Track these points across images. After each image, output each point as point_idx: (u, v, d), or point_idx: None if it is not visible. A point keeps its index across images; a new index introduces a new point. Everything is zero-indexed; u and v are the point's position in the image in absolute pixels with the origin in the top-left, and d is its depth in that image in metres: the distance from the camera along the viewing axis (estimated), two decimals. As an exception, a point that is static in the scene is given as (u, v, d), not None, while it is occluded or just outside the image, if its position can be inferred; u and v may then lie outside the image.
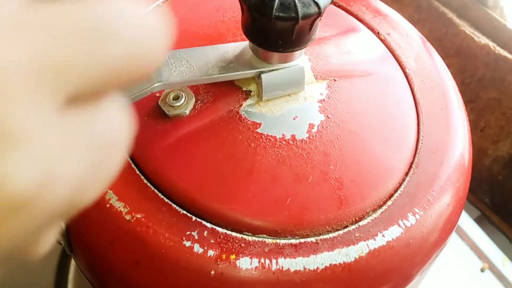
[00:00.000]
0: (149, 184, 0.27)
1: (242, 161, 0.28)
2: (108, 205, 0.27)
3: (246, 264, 0.25)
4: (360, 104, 0.32)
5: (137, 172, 0.28)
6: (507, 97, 0.59)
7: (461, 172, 0.31)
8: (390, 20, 0.38)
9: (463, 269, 0.55)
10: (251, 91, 0.30)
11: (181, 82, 0.27)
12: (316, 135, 0.30)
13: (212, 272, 0.25)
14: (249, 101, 0.30)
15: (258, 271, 0.25)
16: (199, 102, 0.30)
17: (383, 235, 0.27)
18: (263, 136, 0.29)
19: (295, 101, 0.31)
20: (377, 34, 0.37)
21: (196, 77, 0.28)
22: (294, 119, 0.30)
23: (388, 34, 0.37)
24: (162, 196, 0.27)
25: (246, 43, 0.30)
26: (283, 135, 0.29)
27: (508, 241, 0.62)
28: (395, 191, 0.29)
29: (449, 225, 0.30)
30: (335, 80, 0.32)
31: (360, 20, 0.38)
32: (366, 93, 0.32)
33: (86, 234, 0.28)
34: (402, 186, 0.29)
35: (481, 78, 0.61)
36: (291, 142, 0.29)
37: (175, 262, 0.25)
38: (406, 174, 0.30)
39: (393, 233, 0.27)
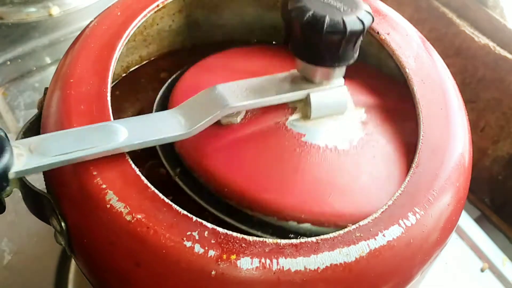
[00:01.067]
0: (148, 184, 0.28)
1: (287, 162, 0.31)
2: (108, 206, 0.27)
3: (247, 264, 0.25)
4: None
5: (137, 172, 0.28)
6: (507, 97, 0.59)
7: (461, 172, 0.31)
8: (389, 20, 0.39)
9: (463, 269, 0.55)
10: (297, 107, 0.33)
11: (243, 106, 0.31)
12: (355, 147, 0.33)
13: (213, 272, 0.25)
14: (295, 116, 0.33)
15: (259, 271, 0.25)
16: (249, 113, 0.33)
17: (383, 235, 0.27)
18: (307, 144, 0.32)
19: (339, 120, 0.34)
20: (377, 33, 0.37)
21: (254, 100, 0.31)
22: (336, 133, 0.33)
23: (388, 34, 0.37)
24: (162, 197, 0.27)
25: (294, 71, 0.33)
26: (325, 145, 0.32)
27: (508, 241, 0.62)
28: (396, 190, 0.29)
29: (450, 225, 0.30)
30: (372, 108, 0.36)
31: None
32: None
33: (87, 235, 0.28)
34: (403, 186, 0.29)
35: (481, 78, 0.61)
36: (333, 150, 0.32)
37: (176, 262, 0.25)
38: (406, 174, 0.30)
39: (393, 232, 0.27)
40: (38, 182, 0.31)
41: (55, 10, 0.67)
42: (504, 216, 0.64)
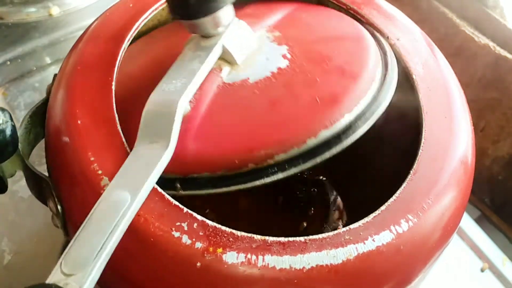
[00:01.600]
0: None
1: (249, 110, 0.31)
2: (102, 191, 0.27)
3: (232, 258, 0.25)
4: None
5: None
6: (507, 97, 0.59)
7: (461, 180, 0.31)
8: (400, 25, 0.38)
9: (463, 269, 0.55)
10: (221, 67, 0.32)
11: (189, 94, 0.30)
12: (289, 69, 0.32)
13: (198, 264, 0.25)
14: (225, 71, 0.32)
15: (244, 266, 0.25)
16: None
17: (373, 240, 0.27)
18: (257, 82, 0.32)
19: (262, 51, 0.34)
20: (387, 38, 0.37)
21: (193, 85, 0.30)
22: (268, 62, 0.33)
23: (398, 40, 0.37)
24: (155, 186, 0.27)
25: (191, 40, 0.33)
26: (270, 75, 0.32)
27: (508, 241, 0.62)
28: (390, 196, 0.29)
29: (445, 234, 0.30)
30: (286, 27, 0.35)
31: (371, 24, 0.38)
32: None
33: (79, 218, 0.28)
34: (398, 192, 0.29)
35: (481, 78, 0.61)
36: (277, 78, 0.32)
37: (163, 251, 0.26)
38: (403, 180, 0.30)
39: (383, 238, 0.27)
40: (42, 167, 0.32)
41: (55, 10, 0.67)
42: (504, 216, 0.64)
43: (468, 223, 0.58)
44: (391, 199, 0.29)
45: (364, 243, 0.26)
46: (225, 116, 0.31)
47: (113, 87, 0.32)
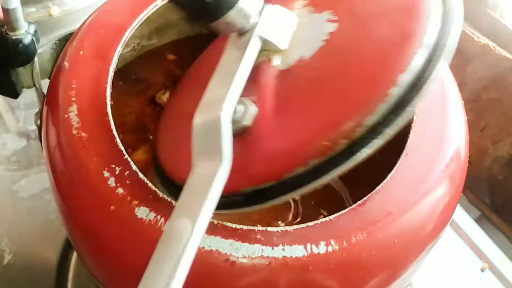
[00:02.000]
0: (109, 113, 0.30)
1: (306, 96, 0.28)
2: (66, 116, 0.30)
3: (143, 214, 0.26)
4: None
5: (107, 100, 0.31)
6: (507, 97, 0.59)
7: (437, 207, 0.30)
8: None
9: (463, 269, 0.55)
10: (266, 57, 0.29)
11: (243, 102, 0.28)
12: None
13: (112, 207, 0.26)
14: (276, 61, 0.29)
15: (150, 224, 0.26)
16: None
17: (283, 249, 0.26)
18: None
19: (305, 27, 0.30)
20: None
21: (240, 86, 0.27)
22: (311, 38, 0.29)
23: None
24: (112, 127, 0.29)
25: (230, 40, 0.30)
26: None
27: (508, 241, 0.62)
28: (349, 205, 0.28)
29: (436, 227, 0.29)
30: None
31: None
32: None
33: (45, 136, 0.32)
34: (332, 216, 0.28)
35: (481, 78, 0.61)
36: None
37: (89, 187, 0.28)
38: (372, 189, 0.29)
39: (295, 251, 0.26)
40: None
41: (55, 10, 0.67)
42: (504, 216, 0.64)
43: (468, 223, 0.58)
44: (349, 207, 0.28)
45: (273, 248, 0.26)
46: (296, 101, 0.28)
47: (109, 81, 0.32)
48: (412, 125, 0.31)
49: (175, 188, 0.29)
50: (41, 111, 0.34)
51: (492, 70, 0.59)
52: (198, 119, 0.26)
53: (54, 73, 0.35)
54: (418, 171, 0.30)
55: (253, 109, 0.27)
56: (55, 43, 0.37)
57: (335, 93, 0.27)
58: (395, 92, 0.24)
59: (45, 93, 0.35)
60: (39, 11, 0.67)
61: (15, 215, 0.50)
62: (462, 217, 0.58)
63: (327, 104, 0.26)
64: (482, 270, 0.55)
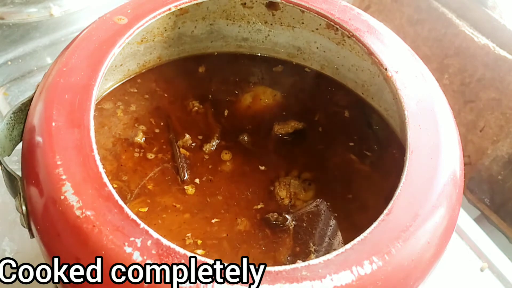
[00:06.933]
0: (107, 183, 0.28)
1: None
2: (62, 197, 0.27)
3: (183, 278, 0.25)
4: None
5: (100, 170, 0.28)
6: (507, 97, 0.59)
7: (436, 229, 0.30)
8: (402, 58, 0.37)
9: (463, 269, 0.55)
10: None
11: None
12: None
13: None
14: None
15: None
16: None
17: (331, 279, 0.26)
18: None
19: None
20: (385, 70, 0.36)
21: None
22: None
23: (396, 72, 0.36)
24: (116, 198, 0.27)
25: None
26: None
27: (508, 240, 0.62)
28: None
29: (412, 281, 0.28)
30: None
31: (371, 54, 0.37)
32: None
33: (40, 222, 0.28)
34: (366, 232, 0.28)
35: (480, 78, 0.61)
36: None
37: (112, 266, 0.26)
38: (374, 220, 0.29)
39: (343, 278, 0.26)
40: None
41: (56, 10, 0.67)
42: (504, 216, 0.64)
43: (468, 223, 0.58)
44: (358, 238, 0.27)
45: (321, 281, 0.25)
46: None
47: (95, 91, 0.32)
48: (400, 185, 0.30)
49: None
50: (22, 197, 0.30)
51: (492, 70, 0.59)
52: None
53: (26, 151, 0.31)
54: (392, 230, 0.29)
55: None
56: (10, 117, 0.33)
57: None
58: None
59: (21, 176, 0.31)
60: (40, 11, 0.68)
61: (15, 215, 0.50)
62: (462, 217, 0.58)
63: None
64: (481, 270, 0.55)
